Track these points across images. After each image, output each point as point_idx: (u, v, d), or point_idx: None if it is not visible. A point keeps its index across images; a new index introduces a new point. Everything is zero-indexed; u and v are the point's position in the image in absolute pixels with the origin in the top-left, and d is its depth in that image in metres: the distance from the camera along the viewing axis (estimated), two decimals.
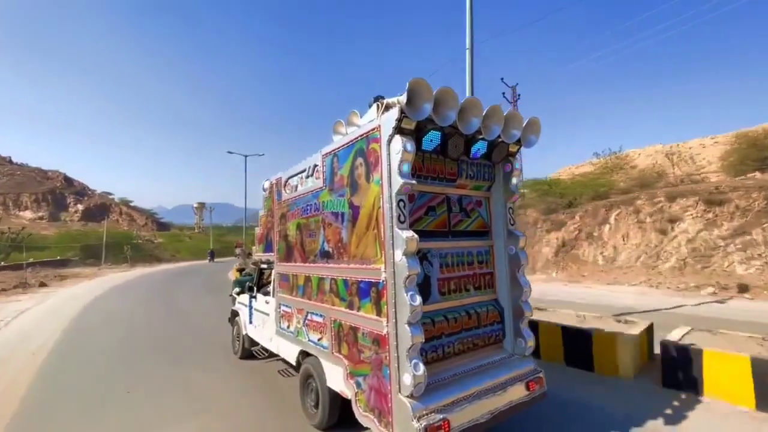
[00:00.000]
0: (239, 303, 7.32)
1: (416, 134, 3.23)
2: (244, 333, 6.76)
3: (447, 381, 3.35)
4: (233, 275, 9.62)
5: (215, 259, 44.73)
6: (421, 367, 2.97)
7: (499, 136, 3.68)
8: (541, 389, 3.75)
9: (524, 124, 3.82)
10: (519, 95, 28.13)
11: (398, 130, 3.13)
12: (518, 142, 3.93)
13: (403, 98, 3.03)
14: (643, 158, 35.12)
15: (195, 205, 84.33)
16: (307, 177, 4.60)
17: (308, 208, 4.55)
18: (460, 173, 3.83)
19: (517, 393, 3.56)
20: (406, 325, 2.96)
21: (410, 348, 2.95)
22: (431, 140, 3.34)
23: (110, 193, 74.66)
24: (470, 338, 3.71)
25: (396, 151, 3.10)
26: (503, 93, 28.20)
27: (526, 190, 25.87)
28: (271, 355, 6.09)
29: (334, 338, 3.94)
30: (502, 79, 28.23)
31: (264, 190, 5.98)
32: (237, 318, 7.16)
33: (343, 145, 3.81)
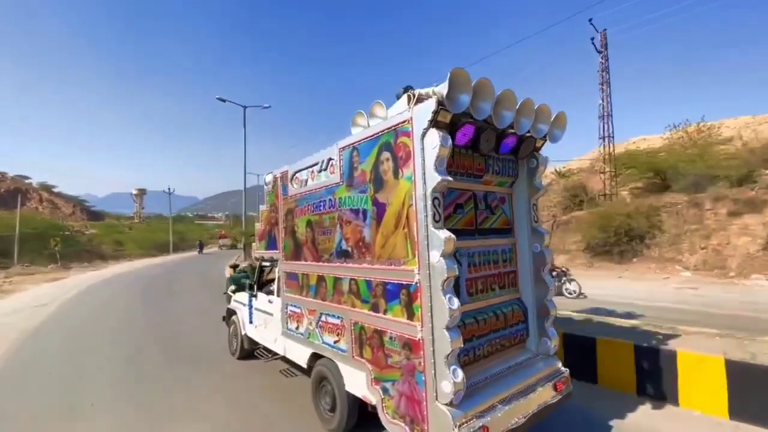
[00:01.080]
0: (236, 302, 7.01)
1: (450, 128, 3.05)
2: (243, 333, 6.48)
3: (480, 385, 3.24)
4: (228, 272, 9.20)
5: (204, 251, 42.84)
6: (460, 373, 2.84)
7: (528, 131, 3.56)
8: (567, 389, 3.70)
9: (552, 119, 3.70)
10: (606, 45, 23.87)
11: (434, 123, 2.94)
12: (544, 137, 3.81)
13: (443, 89, 2.84)
14: (731, 132, 24.96)
15: (134, 192, 75.96)
16: (320, 171, 4.35)
17: (321, 204, 4.31)
18: (487, 169, 3.68)
19: (547, 394, 3.49)
20: (445, 330, 2.82)
21: (449, 354, 2.81)
22: (464, 134, 3.17)
23: (27, 177, 58.37)
24: (498, 339, 3.61)
25: (432, 146, 2.91)
26: (592, 39, 24.07)
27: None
28: (275, 356, 5.86)
29: (354, 341, 3.76)
30: (590, 20, 23.79)
31: (266, 183, 5.68)
32: (234, 317, 6.85)
33: (365, 138, 3.59)
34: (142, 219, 70.70)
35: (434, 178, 2.90)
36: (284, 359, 5.39)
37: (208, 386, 5.56)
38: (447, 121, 3.04)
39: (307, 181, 4.62)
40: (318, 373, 4.41)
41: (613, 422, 4.12)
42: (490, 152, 3.52)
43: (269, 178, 5.66)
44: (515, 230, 4.04)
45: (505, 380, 3.41)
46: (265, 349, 6.01)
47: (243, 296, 6.70)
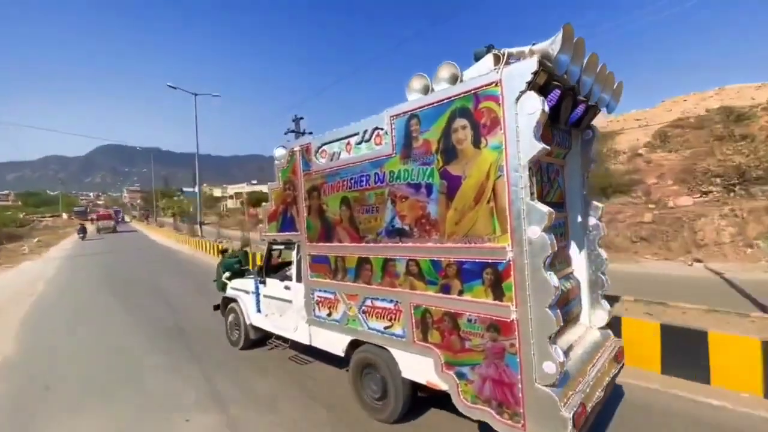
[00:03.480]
0: (235, 289, 6.39)
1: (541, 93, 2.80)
2: (248, 322, 5.94)
3: None
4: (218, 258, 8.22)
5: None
6: (561, 352, 2.71)
7: (596, 101, 3.42)
8: (623, 359, 3.77)
9: (614, 88, 3.59)
10: None
11: (532, 85, 2.67)
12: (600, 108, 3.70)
13: (548, 46, 2.56)
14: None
15: None
16: (360, 143, 3.91)
17: (362, 179, 3.90)
18: (553, 139, 3.50)
19: (612, 365, 3.51)
20: (548, 309, 2.65)
21: (552, 334, 2.66)
22: (550, 100, 2.94)
23: None
24: (563, 315, 3.54)
25: (530, 111, 2.64)
26: None
27: None
28: (293, 344, 5.45)
29: (415, 326, 3.50)
30: None
31: (277, 159, 5.08)
32: (233, 305, 6.26)
33: (430, 104, 3.23)
34: None
35: (532, 147, 2.66)
36: (296, 345, 5.01)
37: None
38: (541, 84, 2.79)
39: (339, 154, 4.16)
40: (361, 360, 4.12)
41: None
42: (560, 122, 3.34)
43: (281, 152, 5.07)
44: (567, 203, 3.95)
45: (576, 355, 3.36)
46: (279, 338, 5.56)
47: (245, 283, 6.12)
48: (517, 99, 2.70)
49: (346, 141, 4.08)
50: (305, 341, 4.87)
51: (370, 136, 3.80)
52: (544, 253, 2.64)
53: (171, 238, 29.71)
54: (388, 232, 3.69)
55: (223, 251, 7.45)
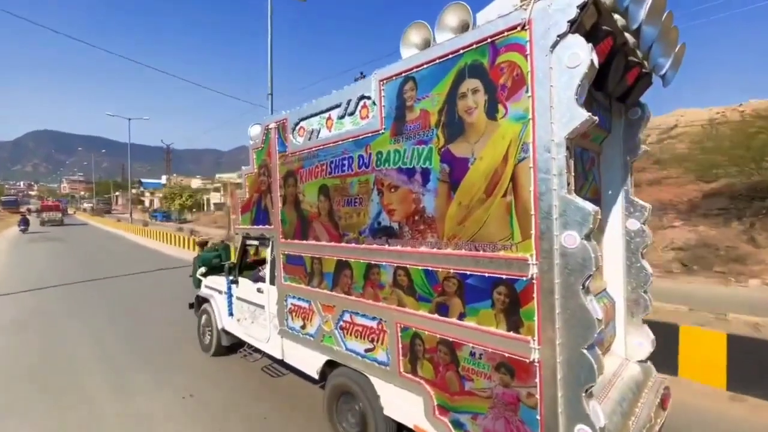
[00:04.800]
0: (208, 287, 5.67)
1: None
2: (219, 327, 5.21)
3: None
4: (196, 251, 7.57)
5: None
6: (601, 413, 1.90)
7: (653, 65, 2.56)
8: (669, 405, 2.94)
9: (675, 51, 2.71)
10: None
11: (576, 26, 1.84)
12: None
13: None
14: None
15: None
16: (342, 116, 3.11)
17: (344, 162, 3.11)
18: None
19: (658, 415, 2.69)
20: (585, 350, 1.84)
21: (591, 386, 1.85)
22: (598, 54, 2.09)
23: None
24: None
25: (572, 63, 1.82)
26: None
27: None
28: (267, 356, 4.71)
29: (402, 353, 2.72)
30: None
31: (252, 139, 4.30)
32: (206, 306, 5.53)
33: (430, 62, 2.41)
34: None
35: (573, 117, 1.83)
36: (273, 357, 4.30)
37: None
38: (587, 28, 1.96)
39: (319, 131, 3.36)
40: (338, 387, 3.36)
41: None
42: (607, 90, 2.50)
43: (256, 130, 4.29)
44: (602, 201, 3.11)
45: (611, 402, 2.54)
46: (252, 348, 4.82)
47: (218, 281, 5.38)
48: (554, 46, 1.87)
49: (326, 115, 3.28)
50: (278, 355, 4.12)
51: (355, 108, 2.99)
52: (585, 270, 1.82)
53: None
54: (372, 230, 2.90)
55: (202, 243, 6.74)
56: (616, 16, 2.10)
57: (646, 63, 2.55)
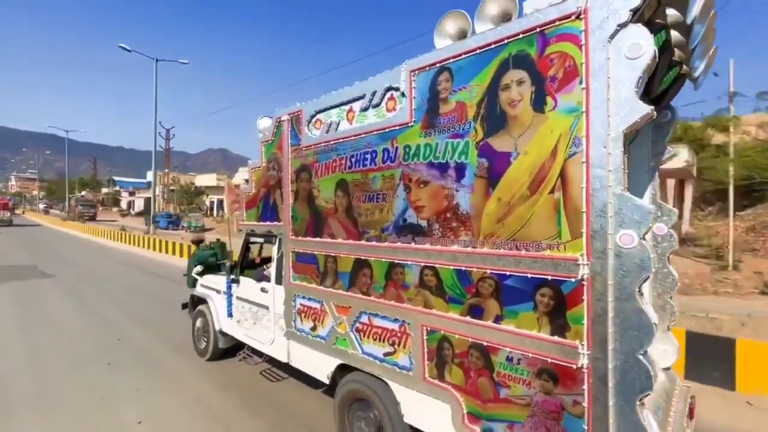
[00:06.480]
0: (205, 287, 5.42)
1: None
2: (217, 328, 4.97)
3: None
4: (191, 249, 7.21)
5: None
6: (655, 425, 1.80)
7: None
8: (695, 414, 2.87)
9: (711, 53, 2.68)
10: None
11: (638, 16, 1.76)
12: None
13: None
14: None
15: None
16: (366, 108, 2.98)
17: (367, 156, 2.97)
18: None
19: (689, 423, 2.62)
20: (641, 357, 1.74)
21: (645, 394, 1.75)
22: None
23: None
24: None
25: (633, 54, 1.73)
26: None
27: None
28: (270, 358, 4.50)
29: (428, 357, 2.58)
30: None
31: (261, 132, 4.13)
32: (203, 307, 5.28)
33: (470, 52, 2.31)
34: None
35: (633, 110, 1.75)
36: (273, 359, 4.11)
37: None
38: (646, 19, 1.89)
39: (338, 123, 3.22)
40: (350, 392, 3.20)
41: None
42: (652, 88, 2.43)
43: (265, 123, 4.13)
44: None
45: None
46: (252, 350, 4.61)
47: (217, 280, 5.15)
48: (612, 36, 1.78)
49: (347, 107, 3.14)
50: (283, 358, 3.92)
51: (381, 100, 2.86)
52: (643, 272, 1.73)
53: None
54: (397, 228, 2.76)
55: (197, 242, 6.47)
56: (670, 11, 2.04)
57: (684, 64, 2.50)
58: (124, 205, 60.38)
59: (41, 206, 66.57)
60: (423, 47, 2.63)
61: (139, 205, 54.55)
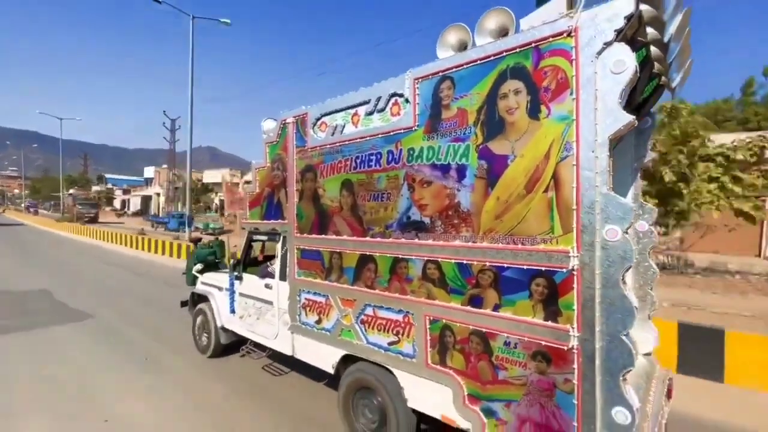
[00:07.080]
0: (206, 284, 5.52)
1: None
2: (219, 325, 5.09)
3: None
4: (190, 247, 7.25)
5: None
6: (635, 397, 2.03)
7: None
8: (672, 395, 3.14)
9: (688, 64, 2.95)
10: None
11: (622, 35, 1.99)
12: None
13: None
14: None
15: None
16: (371, 113, 3.17)
17: (372, 157, 3.16)
18: None
19: (666, 402, 2.87)
20: (624, 337, 1.97)
21: (627, 370, 1.98)
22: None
23: None
24: None
25: (617, 69, 1.96)
26: None
27: None
28: (273, 352, 4.64)
29: (430, 344, 2.78)
30: None
31: (265, 133, 4.28)
32: (205, 305, 5.39)
33: (470, 62, 2.51)
34: None
35: (617, 119, 1.97)
36: (274, 354, 4.26)
37: None
38: (628, 37, 2.12)
39: (343, 126, 3.40)
40: (355, 382, 3.38)
41: None
42: (634, 99, 2.68)
43: (269, 124, 4.27)
44: None
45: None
46: (255, 345, 4.74)
47: (219, 277, 5.27)
48: (599, 53, 2.01)
49: (353, 111, 3.32)
50: (287, 351, 4.08)
51: (386, 105, 3.05)
52: (626, 262, 1.96)
53: None
54: (401, 225, 2.95)
55: (196, 240, 6.56)
56: (649, 29, 2.28)
57: (663, 76, 2.76)
58: (117, 204, 58.17)
59: (23, 205, 63.96)
60: (424, 48, 2.83)
61: (135, 204, 52.17)
